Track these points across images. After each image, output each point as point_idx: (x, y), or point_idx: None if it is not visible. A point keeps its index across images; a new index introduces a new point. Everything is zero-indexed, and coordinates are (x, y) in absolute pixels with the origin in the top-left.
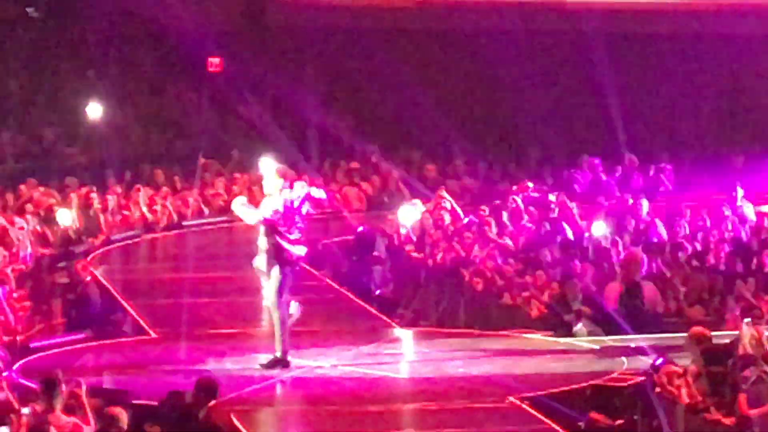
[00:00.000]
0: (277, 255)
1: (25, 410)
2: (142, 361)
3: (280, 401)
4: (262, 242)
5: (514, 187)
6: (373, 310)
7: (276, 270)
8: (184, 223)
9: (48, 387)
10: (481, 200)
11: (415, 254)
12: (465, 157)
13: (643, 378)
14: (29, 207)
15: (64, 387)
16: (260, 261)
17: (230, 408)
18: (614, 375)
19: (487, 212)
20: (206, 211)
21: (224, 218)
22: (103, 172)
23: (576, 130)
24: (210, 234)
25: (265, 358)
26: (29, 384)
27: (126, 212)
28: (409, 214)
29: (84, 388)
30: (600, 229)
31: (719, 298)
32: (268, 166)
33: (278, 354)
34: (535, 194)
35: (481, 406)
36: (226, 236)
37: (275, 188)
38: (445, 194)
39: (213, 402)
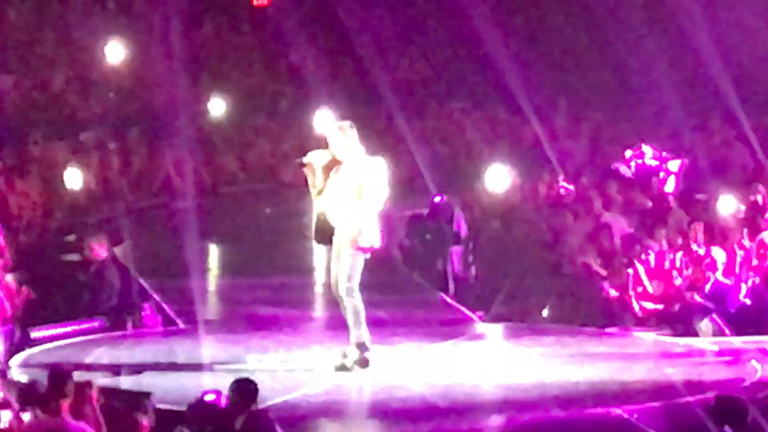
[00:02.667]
0: (353, 232)
1: (26, 416)
2: (168, 356)
3: (338, 411)
4: (334, 216)
5: (628, 152)
6: (451, 301)
7: (348, 251)
8: (220, 189)
9: (53, 385)
10: (585, 168)
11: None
12: (566, 114)
13: None
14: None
15: (71, 386)
16: (325, 238)
17: (275, 417)
18: (746, 384)
19: (588, 182)
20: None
21: (267, 184)
22: (124, 128)
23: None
24: (250, 202)
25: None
26: (29, 381)
27: (151, 176)
28: (498, 181)
29: (96, 388)
30: (729, 205)
31: None
32: (326, 122)
33: (354, 350)
34: (653, 162)
35: (583, 419)
36: (270, 205)
37: (343, 150)
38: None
39: (253, 408)
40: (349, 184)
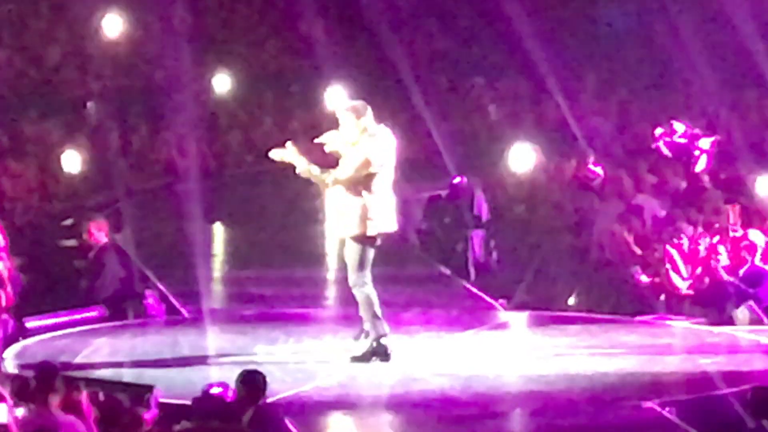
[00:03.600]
0: (361, 221)
1: (19, 411)
2: (172, 347)
3: (352, 404)
4: (345, 202)
5: (658, 130)
6: (472, 287)
7: (353, 241)
8: (226, 170)
9: (41, 382)
10: (614, 145)
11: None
12: (593, 90)
13: None
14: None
15: (60, 382)
16: (337, 225)
17: (286, 411)
18: None
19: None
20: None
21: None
22: (123, 106)
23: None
24: (257, 185)
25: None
26: (22, 377)
27: (152, 156)
28: (521, 161)
29: (84, 394)
30: (766, 186)
31: None
32: (338, 102)
33: (369, 341)
34: (683, 140)
35: (612, 412)
36: (277, 189)
37: (356, 132)
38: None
39: (261, 402)
40: (358, 165)
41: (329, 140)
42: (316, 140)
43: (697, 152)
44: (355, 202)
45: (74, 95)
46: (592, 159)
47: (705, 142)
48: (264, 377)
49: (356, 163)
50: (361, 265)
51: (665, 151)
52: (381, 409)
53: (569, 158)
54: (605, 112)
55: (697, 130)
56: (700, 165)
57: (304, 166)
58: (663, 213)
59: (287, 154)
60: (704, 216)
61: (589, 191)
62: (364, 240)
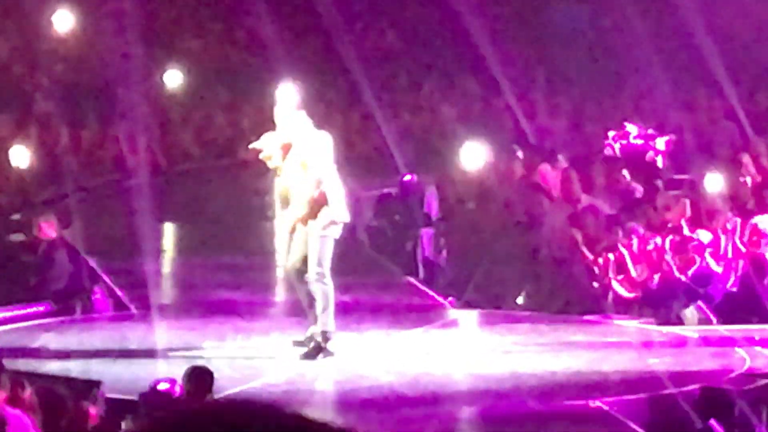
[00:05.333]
0: (320, 214)
1: None
2: (119, 343)
3: (300, 401)
4: (298, 195)
5: (610, 133)
6: (421, 286)
7: (315, 234)
8: (175, 166)
9: None
10: (565, 146)
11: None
12: (544, 90)
13: None
14: None
15: (6, 378)
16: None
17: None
18: (732, 375)
19: (565, 162)
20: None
21: (225, 161)
22: (73, 101)
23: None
24: (207, 180)
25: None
26: None
27: (102, 152)
28: (472, 160)
29: (29, 390)
30: (715, 183)
31: None
32: (286, 97)
33: (318, 338)
34: (639, 141)
35: (560, 411)
36: (227, 185)
37: (294, 129)
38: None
39: (209, 398)
40: (300, 163)
41: (264, 145)
42: (250, 146)
43: (651, 153)
44: (311, 194)
45: (23, 89)
46: (540, 158)
47: (660, 142)
48: (211, 373)
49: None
50: (322, 259)
51: (617, 153)
52: (329, 406)
53: (519, 158)
54: (556, 112)
55: (650, 131)
56: (659, 164)
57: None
58: (611, 212)
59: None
60: (655, 215)
61: (539, 191)
62: (326, 229)
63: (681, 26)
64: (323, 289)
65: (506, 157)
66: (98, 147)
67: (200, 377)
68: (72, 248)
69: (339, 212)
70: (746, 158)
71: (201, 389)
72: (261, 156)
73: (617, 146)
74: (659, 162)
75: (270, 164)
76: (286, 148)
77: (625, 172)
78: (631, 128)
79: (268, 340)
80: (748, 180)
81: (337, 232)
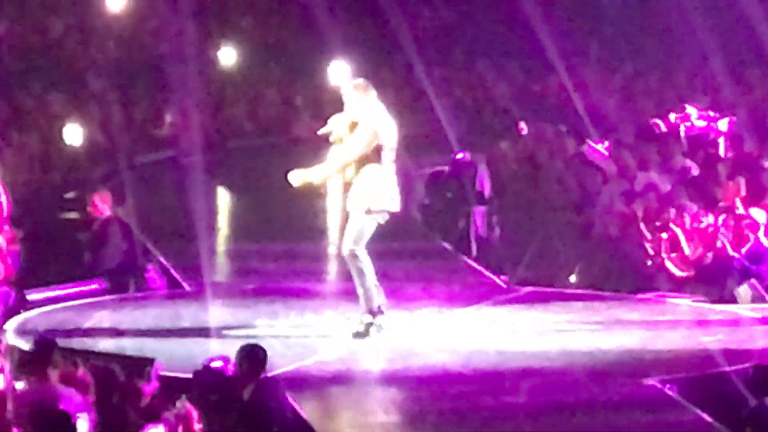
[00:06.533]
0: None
1: (19, 384)
2: (173, 320)
3: (353, 379)
4: (355, 178)
5: (672, 116)
6: (474, 264)
7: (357, 213)
8: (229, 143)
9: (40, 355)
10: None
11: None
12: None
13: None
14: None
15: (58, 356)
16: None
17: (287, 385)
18: None
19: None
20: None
21: (278, 138)
22: (126, 78)
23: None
24: (260, 157)
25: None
26: (24, 351)
27: (156, 129)
28: (524, 137)
29: (82, 369)
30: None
31: None
32: (342, 78)
33: (365, 317)
34: (702, 122)
35: (612, 389)
36: (281, 161)
37: (361, 111)
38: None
39: (262, 376)
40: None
41: (333, 128)
42: (319, 132)
43: (713, 135)
44: (365, 177)
45: (77, 67)
46: (591, 135)
47: (723, 124)
48: (264, 351)
49: (364, 138)
50: (359, 238)
51: (682, 135)
52: (382, 384)
53: (571, 135)
54: (609, 88)
55: (710, 113)
56: (722, 147)
57: (320, 178)
58: (666, 189)
59: (304, 177)
60: (709, 193)
61: (593, 168)
62: (369, 214)
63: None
64: (358, 266)
65: (558, 134)
66: (151, 124)
67: (253, 356)
68: (125, 226)
69: (386, 201)
70: None
71: (254, 368)
72: (330, 138)
73: (682, 128)
74: (721, 143)
75: (336, 142)
76: (353, 126)
77: (677, 149)
78: (691, 110)
79: (320, 318)
80: None
81: (382, 217)
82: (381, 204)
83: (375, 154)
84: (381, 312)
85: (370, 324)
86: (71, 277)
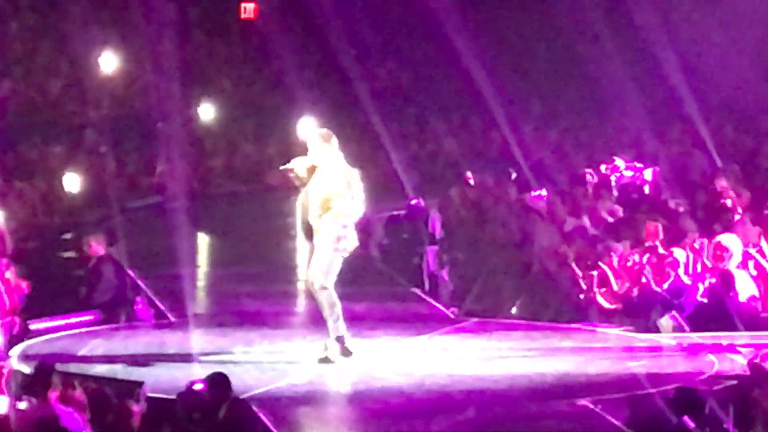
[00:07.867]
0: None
1: (22, 404)
2: (159, 348)
3: (320, 399)
4: (315, 216)
5: (602, 167)
6: (427, 297)
7: (326, 250)
8: (209, 190)
9: (40, 378)
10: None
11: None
12: (535, 124)
13: (738, 381)
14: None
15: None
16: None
17: (261, 405)
18: (703, 377)
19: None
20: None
21: (252, 185)
22: (118, 133)
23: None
24: (239, 203)
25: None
26: (27, 374)
27: (144, 178)
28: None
29: (79, 390)
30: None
31: None
32: (308, 130)
33: (333, 343)
34: (630, 173)
35: (549, 408)
36: (257, 206)
37: (323, 156)
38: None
39: (233, 396)
40: (326, 190)
41: (295, 166)
42: (282, 167)
43: (639, 183)
44: (329, 219)
45: (74, 123)
46: (531, 183)
47: (648, 173)
48: (225, 376)
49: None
50: (328, 272)
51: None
52: (346, 404)
53: (513, 183)
54: (546, 143)
55: (636, 164)
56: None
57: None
58: (595, 233)
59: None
60: (635, 235)
61: (532, 213)
62: (336, 251)
63: (655, 66)
64: (328, 298)
65: (501, 182)
66: (141, 173)
67: (218, 381)
68: (117, 263)
69: (351, 242)
70: (721, 183)
71: (222, 390)
72: (290, 174)
73: (613, 178)
74: (646, 190)
75: (297, 182)
76: (313, 169)
77: (606, 196)
78: (619, 162)
79: (291, 345)
80: (728, 202)
81: (346, 252)
82: (346, 241)
83: (342, 202)
84: (346, 341)
85: (340, 350)
86: (69, 309)
